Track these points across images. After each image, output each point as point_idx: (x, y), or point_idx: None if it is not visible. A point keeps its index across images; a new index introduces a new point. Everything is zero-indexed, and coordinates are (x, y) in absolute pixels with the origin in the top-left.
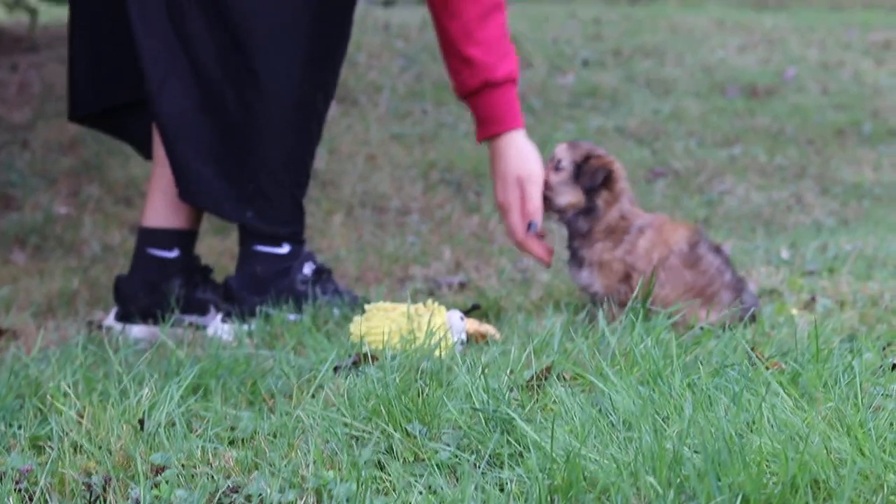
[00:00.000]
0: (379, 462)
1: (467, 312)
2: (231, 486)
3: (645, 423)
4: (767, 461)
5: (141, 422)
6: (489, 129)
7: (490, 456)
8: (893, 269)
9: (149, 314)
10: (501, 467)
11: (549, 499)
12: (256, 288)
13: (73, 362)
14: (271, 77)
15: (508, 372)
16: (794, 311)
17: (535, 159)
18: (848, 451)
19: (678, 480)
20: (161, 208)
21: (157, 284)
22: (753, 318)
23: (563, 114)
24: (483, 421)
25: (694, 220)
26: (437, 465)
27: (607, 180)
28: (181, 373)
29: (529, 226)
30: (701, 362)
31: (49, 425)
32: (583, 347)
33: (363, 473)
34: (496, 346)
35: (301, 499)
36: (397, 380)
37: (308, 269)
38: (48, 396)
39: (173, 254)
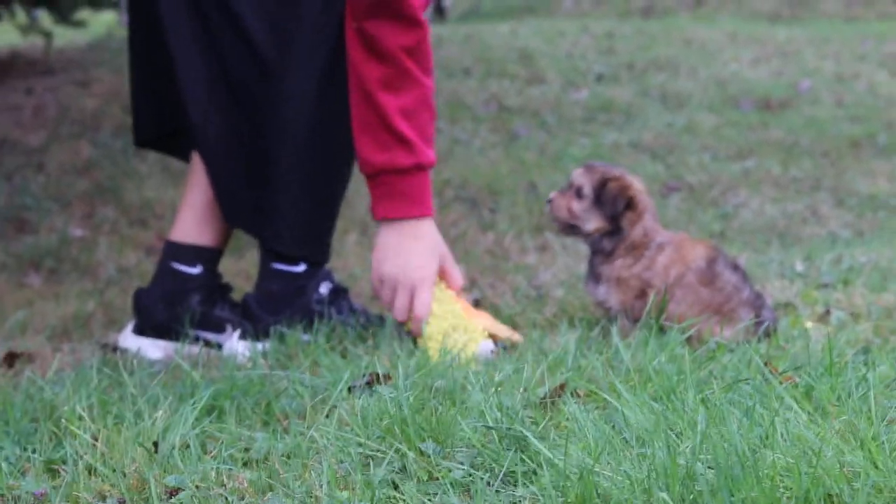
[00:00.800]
0: (393, 482)
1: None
2: None
3: (658, 440)
4: (781, 476)
5: (155, 444)
6: (397, 210)
7: (504, 474)
8: None
9: (166, 329)
10: (515, 485)
11: None
12: (272, 307)
13: (88, 385)
14: (291, 99)
15: (522, 390)
16: (809, 324)
17: (434, 258)
18: (861, 464)
19: (691, 496)
20: (189, 225)
21: (177, 299)
22: (769, 334)
23: (578, 129)
24: (497, 439)
25: (709, 233)
26: (451, 484)
27: (629, 203)
28: (196, 394)
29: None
30: (715, 377)
31: (64, 448)
32: (596, 364)
33: (377, 493)
34: (510, 364)
35: None
36: (411, 399)
37: (325, 288)
38: (63, 419)
39: (196, 270)
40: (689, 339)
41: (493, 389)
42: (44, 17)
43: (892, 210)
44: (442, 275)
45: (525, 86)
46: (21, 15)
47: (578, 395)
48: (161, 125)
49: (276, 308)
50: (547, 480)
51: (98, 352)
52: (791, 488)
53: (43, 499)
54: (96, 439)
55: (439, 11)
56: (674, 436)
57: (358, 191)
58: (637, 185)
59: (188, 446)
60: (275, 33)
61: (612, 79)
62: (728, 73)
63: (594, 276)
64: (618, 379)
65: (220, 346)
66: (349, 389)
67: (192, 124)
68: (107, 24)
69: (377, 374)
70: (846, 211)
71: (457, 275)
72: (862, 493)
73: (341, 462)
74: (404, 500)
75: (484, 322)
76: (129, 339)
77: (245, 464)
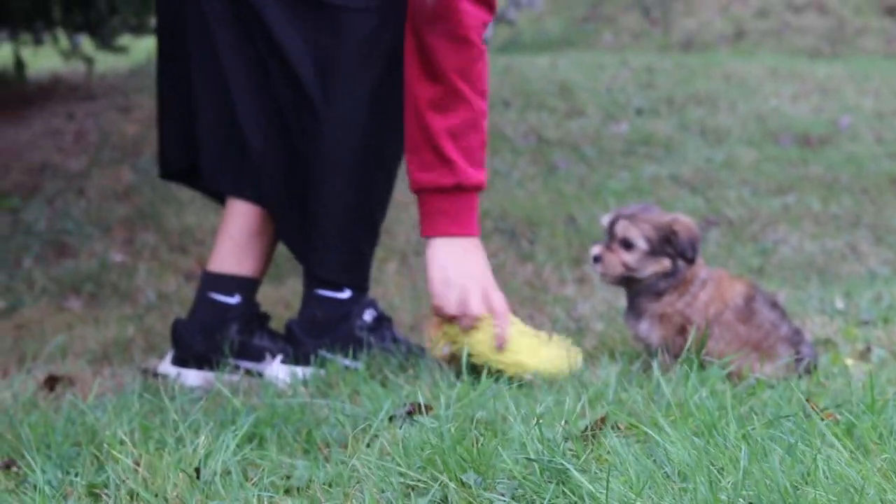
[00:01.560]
0: None
1: None
2: None
3: (700, 475)
4: None
5: (197, 470)
6: (445, 228)
7: None
8: None
9: (205, 359)
10: None
11: None
12: (315, 332)
13: (130, 410)
14: (336, 127)
15: (563, 422)
16: (849, 362)
17: (486, 267)
18: None
19: None
20: (227, 254)
21: (216, 329)
22: (809, 370)
23: (617, 162)
24: (538, 471)
25: (748, 269)
26: None
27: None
28: (237, 421)
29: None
30: (755, 413)
31: (106, 473)
32: (637, 398)
33: None
34: (550, 396)
35: None
36: (452, 430)
37: (369, 315)
38: (105, 444)
39: (234, 300)
40: (728, 375)
41: (534, 421)
42: (86, 43)
43: None
44: None
45: (564, 118)
46: (63, 40)
47: (619, 429)
48: (188, 157)
49: (319, 333)
50: None
51: (139, 377)
52: None
53: None
54: (138, 464)
55: None
56: (715, 471)
57: (398, 219)
58: (690, 221)
59: (230, 473)
60: (318, 61)
61: (652, 112)
62: (768, 108)
63: (636, 311)
64: (659, 413)
65: (260, 375)
66: (390, 419)
67: (254, 155)
68: (147, 50)
69: (418, 404)
70: (885, 248)
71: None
72: None
73: (383, 492)
74: None
75: None
76: (168, 370)
77: (286, 491)
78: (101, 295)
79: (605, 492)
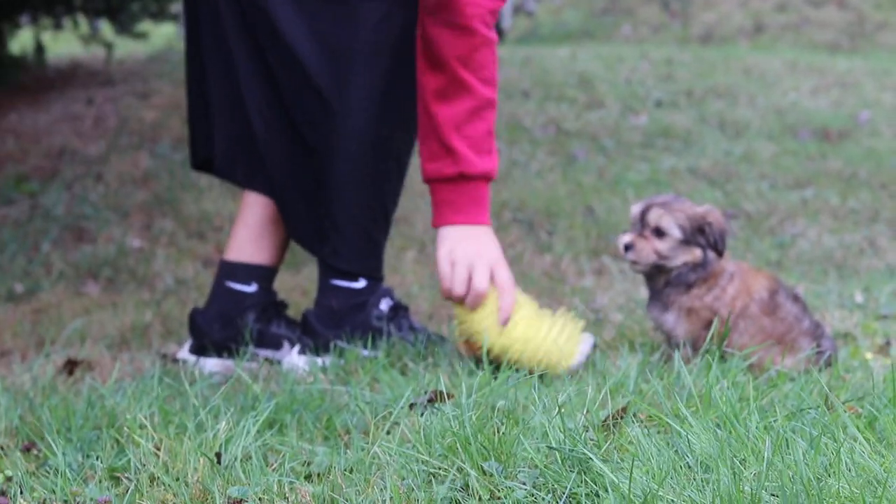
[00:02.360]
0: (455, 500)
1: None
2: None
3: (723, 466)
4: None
5: (218, 455)
6: (451, 217)
7: (567, 496)
8: None
9: (223, 347)
10: None
11: None
12: (332, 322)
13: (149, 394)
14: (347, 117)
15: (584, 412)
16: (869, 355)
17: (495, 248)
18: None
19: None
20: (243, 243)
21: (233, 318)
22: (829, 363)
23: (636, 154)
24: (559, 460)
25: (766, 262)
26: None
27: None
28: (257, 407)
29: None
30: (777, 405)
31: (126, 457)
32: (658, 388)
33: None
34: (571, 385)
35: None
36: (473, 418)
37: (385, 305)
38: (125, 428)
39: (251, 288)
40: (750, 367)
41: (556, 410)
42: (105, 28)
43: None
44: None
45: (584, 110)
46: (83, 25)
47: (640, 419)
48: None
49: (336, 323)
50: (611, 503)
51: (158, 362)
52: None
53: None
54: (158, 448)
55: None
56: (738, 462)
57: (416, 207)
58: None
59: (250, 458)
60: (327, 52)
61: (671, 105)
62: (787, 102)
63: (662, 303)
64: (680, 404)
65: (278, 363)
66: (410, 406)
67: (259, 144)
68: (167, 36)
69: (439, 392)
70: None
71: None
72: None
73: (404, 479)
74: None
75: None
76: (187, 357)
77: (307, 477)
78: (118, 280)
79: (627, 481)
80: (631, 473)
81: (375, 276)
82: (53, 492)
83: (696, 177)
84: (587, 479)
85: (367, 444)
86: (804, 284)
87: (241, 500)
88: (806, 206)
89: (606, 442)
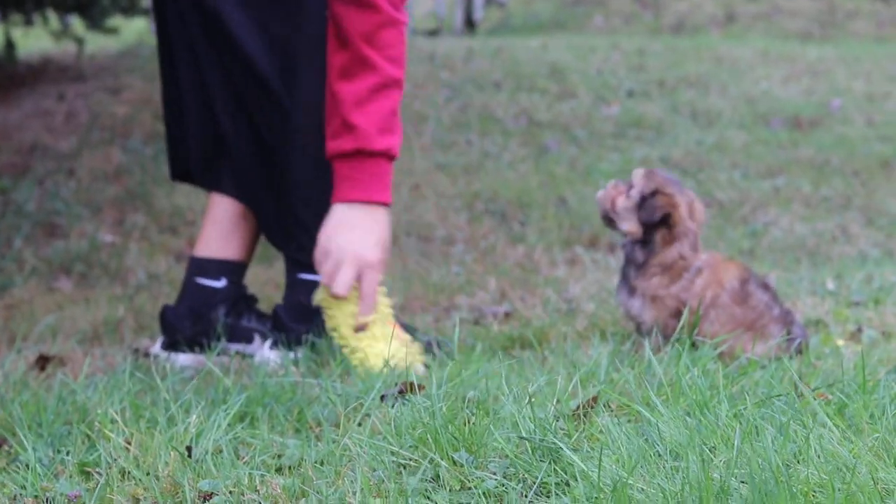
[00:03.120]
0: (426, 491)
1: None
2: None
3: (692, 453)
4: (814, 492)
5: (188, 449)
6: (350, 193)
7: (537, 485)
8: None
9: (195, 343)
10: (548, 496)
11: None
12: (301, 316)
13: (121, 389)
14: (297, 113)
15: (555, 401)
16: (840, 342)
17: (382, 245)
18: (895, 481)
19: None
20: (212, 239)
21: (203, 314)
22: (800, 350)
23: (608, 144)
24: (530, 450)
25: (738, 250)
26: (484, 494)
27: (666, 220)
28: (228, 400)
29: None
30: (747, 393)
31: (97, 451)
32: (629, 377)
33: (410, 502)
34: (542, 375)
35: None
36: (444, 409)
37: None
38: (96, 423)
39: (220, 283)
40: (720, 356)
41: (526, 400)
42: (76, 24)
43: None
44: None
45: (555, 101)
46: (54, 21)
47: (611, 408)
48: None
49: (306, 318)
50: (580, 492)
51: (129, 356)
52: None
53: (77, 501)
54: (129, 443)
55: (470, 24)
56: (707, 450)
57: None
58: (683, 210)
59: (221, 451)
60: (276, 50)
61: (643, 95)
62: (758, 91)
63: (628, 288)
64: (651, 392)
65: (250, 357)
66: (381, 398)
67: (226, 142)
68: (138, 31)
69: (410, 384)
70: (876, 230)
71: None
72: None
73: (374, 470)
74: None
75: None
76: (159, 353)
77: (278, 470)
78: (91, 275)
79: (597, 470)
80: (600, 462)
81: None
82: (24, 487)
83: (668, 166)
84: (557, 469)
85: (338, 436)
86: (776, 272)
87: (212, 493)
88: (778, 194)
89: (577, 431)
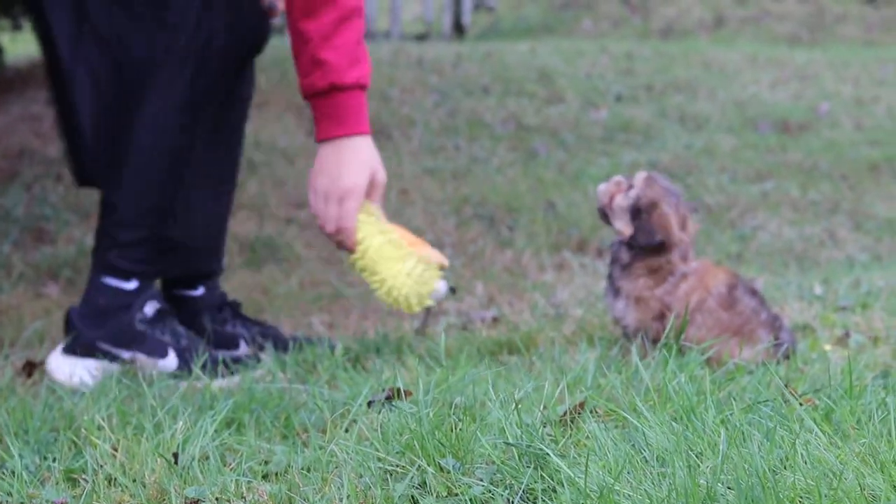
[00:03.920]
0: (413, 497)
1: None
2: None
3: (679, 459)
4: (801, 498)
5: (175, 455)
6: (330, 130)
7: (523, 491)
8: None
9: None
10: (535, 502)
11: None
12: (96, 321)
13: (107, 395)
14: (147, 124)
15: (542, 407)
16: (828, 347)
17: (365, 171)
18: (882, 487)
19: None
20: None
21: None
22: (788, 356)
23: (597, 148)
24: (516, 456)
25: (726, 255)
26: (471, 501)
27: (661, 244)
28: (215, 406)
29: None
30: (734, 398)
31: (83, 458)
32: (616, 383)
33: None
34: (529, 381)
35: None
36: (431, 415)
37: (150, 308)
38: (82, 429)
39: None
40: (708, 361)
41: (513, 406)
42: None
43: None
44: (371, 189)
45: (544, 105)
46: None
47: (598, 414)
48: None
49: (99, 322)
50: (567, 498)
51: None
52: None
53: None
54: (116, 449)
55: (458, 29)
56: (694, 456)
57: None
58: (675, 227)
59: (208, 458)
60: (123, 68)
61: (631, 99)
62: (747, 95)
63: (613, 289)
64: (637, 398)
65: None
66: (368, 404)
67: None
68: None
69: (397, 389)
70: (864, 235)
71: (381, 187)
72: None
73: (361, 476)
74: None
75: (428, 252)
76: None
77: (265, 476)
78: (79, 281)
79: (583, 476)
80: (586, 468)
81: (148, 278)
82: (10, 494)
83: (656, 171)
84: (544, 475)
85: (325, 442)
86: (764, 276)
87: (198, 500)
88: (766, 198)
89: (564, 437)
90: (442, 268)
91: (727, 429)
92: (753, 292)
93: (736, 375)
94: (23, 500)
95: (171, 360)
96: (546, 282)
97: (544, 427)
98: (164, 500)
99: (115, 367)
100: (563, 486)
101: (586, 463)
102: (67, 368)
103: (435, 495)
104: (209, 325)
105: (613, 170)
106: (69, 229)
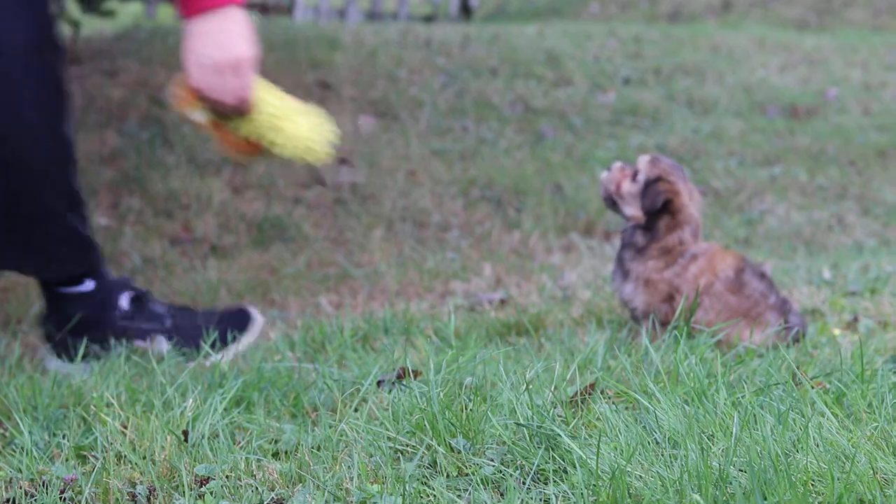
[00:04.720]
0: (423, 477)
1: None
2: (275, 498)
3: (690, 441)
4: (813, 481)
5: (185, 433)
6: (198, 4)
7: (534, 472)
8: None
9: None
10: (546, 483)
11: None
12: (76, 329)
13: (116, 372)
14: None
15: (552, 388)
16: (837, 332)
17: (251, 41)
18: (894, 470)
19: (724, 499)
20: None
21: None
22: (798, 339)
23: (604, 132)
24: (527, 436)
25: (734, 239)
26: (482, 481)
27: (668, 207)
28: (224, 385)
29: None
30: (745, 381)
31: (93, 435)
32: (626, 364)
33: (408, 488)
34: (539, 362)
35: None
36: (441, 394)
37: (125, 300)
38: (92, 406)
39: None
40: (718, 344)
41: (524, 387)
42: (72, 6)
43: None
44: None
45: (552, 87)
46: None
47: (608, 396)
48: None
49: (80, 329)
50: (578, 479)
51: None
52: (823, 493)
53: (73, 484)
54: (125, 427)
55: (465, 10)
56: (706, 438)
57: (384, 185)
58: (685, 196)
59: (217, 436)
60: None
61: (639, 82)
62: (755, 79)
63: (623, 272)
64: (648, 380)
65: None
66: (378, 384)
67: None
68: (134, 14)
69: (406, 369)
70: (872, 220)
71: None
72: (894, 500)
73: (371, 456)
74: (434, 496)
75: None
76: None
77: (274, 455)
78: None
79: (595, 457)
80: (598, 449)
81: (95, 269)
82: (20, 470)
83: (664, 154)
84: (555, 456)
85: (335, 421)
86: (772, 261)
87: (209, 477)
88: (774, 182)
89: (574, 418)
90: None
91: (739, 411)
92: (762, 276)
93: (746, 358)
94: (33, 477)
95: (161, 344)
96: (553, 264)
97: (555, 408)
98: (174, 477)
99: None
100: (574, 467)
101: (598, 444)
102: (66, 367)
103: (446, 475)
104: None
105: (621, 153)
106: None
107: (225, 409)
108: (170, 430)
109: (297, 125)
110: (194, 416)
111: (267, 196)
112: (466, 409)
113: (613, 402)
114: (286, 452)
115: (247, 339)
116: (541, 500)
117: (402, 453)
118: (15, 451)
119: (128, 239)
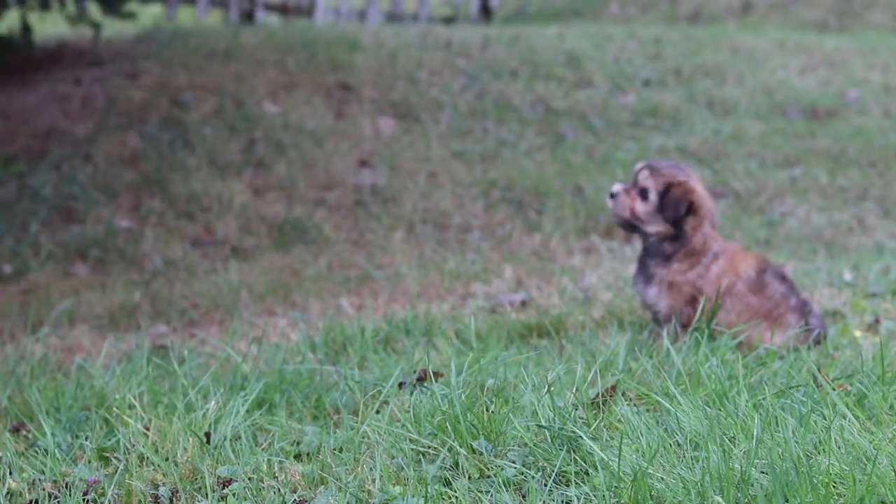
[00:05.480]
0: (445, 478)
1: None
2: (298, 500)
3: (712, 443)
4: (835, 483)
5: (207, 435)
6: None
7: (556, 473)
8: None
9: None
10: (568, 485)
11: None
12: None
13: (138, 374)
14: None
15: (574, 390)
16: (858, 333)
17: None
18: None
19: (746, 501)
20: None
21: None
22: (818, 341)
23: (625, 133)
24: (549, 438)
25: (754, 240)
26: (504, 483)
27: (690, 208)
28: (246, 387)
29: None
30: (766, 383)
31: (115, 437)
32: (647, 367)
33: (430, 489)
34: (561, 364)
35: None
36: (463, 397)
37: None
38: (114, 408)
39: None
40: (739, 345)
41: (545, 389)
42: (93, 8)
43: None
44: None
45: (572, 89)
46: (71, 5)
47: (629, 398)
48: None
49: None
50: (600, 481)
51: (146, 342)
52: (845, 495)
53: (95, 486)
54: (147, 428)
55: (486, 12)
56: (727, 440)
57: (405, 187)
58: (699, 189)
59: (240, 438)
60: None
61: (660, 84)
62: (775, 81)
63: (646, 276)
64: (669, 382)
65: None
66: (399, 385)
67: None
68: (154, 16)
69: (427, 371)
70: (893, 221)
71: None
72: None
73: (393, 457)
74: (457, 497)
75: None
76: None
77: (296, 457)
78: (107, 260)
79: (616, 459)
80: (620, 451)
81: None
82: (43, 472)
83: (684, 156)
84: (577, 458)
85: (357, 423)
86: (793, 262)
87: (231, 479)
88: (795, 184)
89: (596, 420)
90: None
91: (760, 413)
92: (783, 277)
93: (767, 360)
94: (56, 479)
95: None
96: (574, 266)
97: (576, 410)
98: (196, 479)
99: (146, 345)
100: (596, 469)
101: (619, 446)
102: None
103: (467, 476)
104: None
105: (641, 154)
106: (98, 209)
107: (247, 411)
108: (192, 431)
109: None
110: (216, 417)
111: (288, 198)
112: (488, 410)
113: (635, 404)
114: (308, 454)
115: None
116: (563, 501)
117: (423, 455)
118: (38, 453)
119: (149, 241)
